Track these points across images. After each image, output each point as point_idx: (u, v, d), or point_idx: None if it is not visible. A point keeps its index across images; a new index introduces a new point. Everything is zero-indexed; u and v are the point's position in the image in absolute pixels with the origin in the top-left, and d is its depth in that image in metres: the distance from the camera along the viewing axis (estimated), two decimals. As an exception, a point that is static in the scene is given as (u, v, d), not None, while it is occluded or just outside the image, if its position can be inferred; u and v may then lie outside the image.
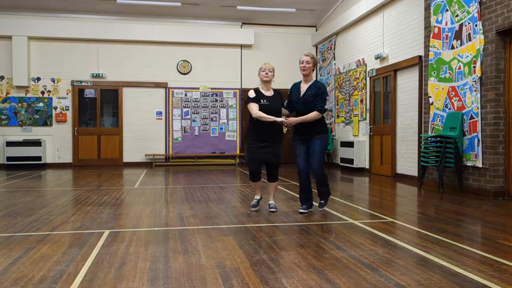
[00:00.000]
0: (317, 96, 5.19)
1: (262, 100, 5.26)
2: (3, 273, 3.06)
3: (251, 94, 5.30)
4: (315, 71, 5.83)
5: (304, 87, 5.33)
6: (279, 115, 5.31)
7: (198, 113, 13.84)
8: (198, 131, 13.85)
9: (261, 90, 5.36)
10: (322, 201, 5.48)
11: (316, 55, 14.56)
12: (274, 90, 5.48)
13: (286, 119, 5.19)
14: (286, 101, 5.53)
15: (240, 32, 13.98)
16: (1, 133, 12.83)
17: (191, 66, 13.66)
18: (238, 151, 14.00)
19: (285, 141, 6.14)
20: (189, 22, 13.75)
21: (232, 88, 14.01)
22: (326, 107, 5.20)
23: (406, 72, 9.40)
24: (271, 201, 5.57)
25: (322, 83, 5.38)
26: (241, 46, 14.02)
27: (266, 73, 5.30)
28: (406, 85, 9.40)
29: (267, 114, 5.16)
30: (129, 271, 3.12)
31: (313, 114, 5.16)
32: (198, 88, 13.78)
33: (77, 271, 3.12)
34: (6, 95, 12.89)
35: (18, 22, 12.69)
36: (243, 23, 14.11)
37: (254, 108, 5.20)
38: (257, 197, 5.62)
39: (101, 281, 2.91)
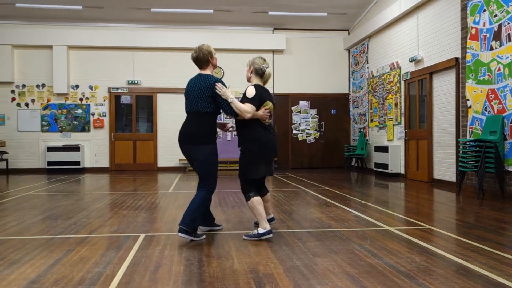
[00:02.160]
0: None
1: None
2: (45, 274, 3.16)
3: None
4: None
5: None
6: None
7: (231, 118, 13.90)
8: (231, 136, 13.93)
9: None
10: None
11: (349, 59, 14.44)
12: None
13: None
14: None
15: (271, 37, 14.01)
16: (42, 138, 13.28)
17: (223, 72, 13.77)
18: (270, 156, 13.98)
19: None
20: (221, 29, 13.89)
21: (264, 93, 14.01)
22: None
23: (442, 74, 9.20)
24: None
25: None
26: (273, 51, 14.05)
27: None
28: (443, 88, 9.19)
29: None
30: (164, 274, 3.16)
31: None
32: (231, 94, 13.85)
33: (114, 273, 3.18)
34: (47, 102, 13.35)
35: (58, 32, 13.14)
36: (274, 29, 14.14)
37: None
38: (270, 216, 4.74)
39: (137, 283, 2.96)
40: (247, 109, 4.14)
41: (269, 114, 4.33)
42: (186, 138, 4.23)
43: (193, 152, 4.22)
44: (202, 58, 4.30)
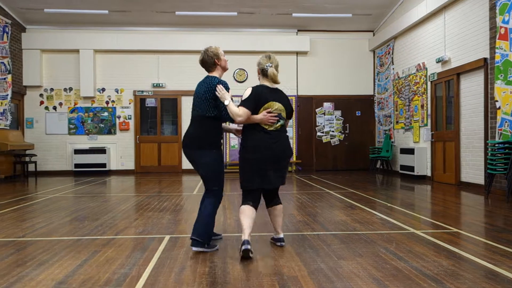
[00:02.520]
0: None
1: None
2: (72, 274, 3.22)
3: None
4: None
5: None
6: None
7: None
8: (255, 139, 13.93)
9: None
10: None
11: (374, 60, 14.29)
12: None
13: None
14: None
15: (295, 39, 13.98)
16: (69, 141, 13.55)
17: (247, 74, 13.81)
18: (294, 158, 13.96)
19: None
20: (245, 31, 13.93)
21: (288, 95, 13.96)
22: None
23: (470, 75, 9.01)
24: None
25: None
26: (297, 53, 14.02)
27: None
28: (470, 89, 9.00)
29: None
30: (189, 275, 3.18)
31: None
32: (254, 96, 13.88)
33: (140, 274, 3.22)
34: (74, 105, 13.62)
35: (85, 37, 13.40)
36: (298, 30, 14.10)
37: None
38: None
39: (162, 285, 2.99)
40: (238, 112, 3.76)
41: (273, 117, 3.85)
42: (188, 142, 4.01)
43: (195, 158, 3.98)
44: (208, 60, 4.08)
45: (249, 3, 12.19)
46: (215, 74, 4.09)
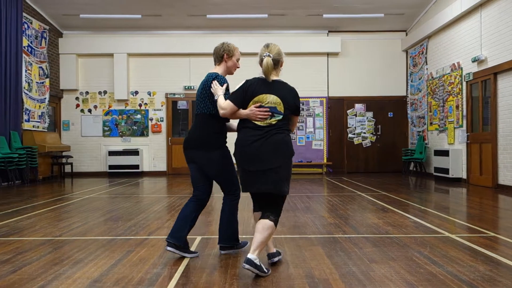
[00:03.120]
0: None
1: None
2: (106, 273, 3.29)
3: None
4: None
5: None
6: None
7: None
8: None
9: None
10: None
11: (407, 60, 14.04)
12: None
13: None
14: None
15: (326, 40, 13.89)
16: (104, 143, 13.87)
17: (278, 76, 13.79)
18: (325, 160, 13.86)
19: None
20: (276, 33, 13.93)
21: (318, 96, 13.94)
22: None
23: (509, 74, 8.74)
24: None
25: None
26: (328, 54, 13.92)
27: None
28: (509, 88, 8.73)
29: None
30: (220, 277, 3.20)
31: None
32: (285, 98, 13.86)
33: (172, 274, 3.26)
34: (108, 108, 13.93)
35: (119, 41, 13.70)
36: (329, 31, 14.01)
37: None
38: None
39: (194, 285, 3.02)
40: (222, 105, 3.49)
41: (263, 112, 3.36)
42: (189, 143, 3.81)
43: (199, 159, 3.76)
44: (218, 52, 3.97)
45: (280, 5, 12.19)
46: (217, 70, 3.94)
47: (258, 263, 3.14)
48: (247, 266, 3.11)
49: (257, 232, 3.24)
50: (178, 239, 3.69)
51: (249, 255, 3.15)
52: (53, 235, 4.71)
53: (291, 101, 3.43)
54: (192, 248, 4.04)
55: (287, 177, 3.37)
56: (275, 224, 3.31)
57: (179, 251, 3.72)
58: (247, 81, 3.54)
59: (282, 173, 3.32)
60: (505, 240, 4.33)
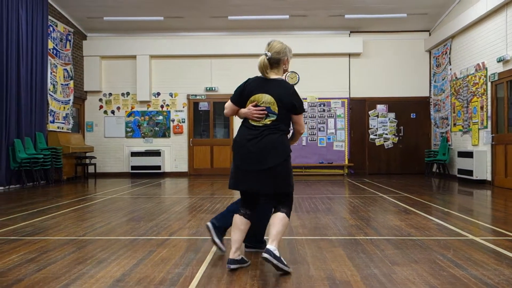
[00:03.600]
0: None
1: None
2: (129, 273, 3.33)
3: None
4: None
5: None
6: None
7: (306, 123, 13.89)
8: (306, 141, 13.87)
9: None
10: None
11: (430, 60, 13.85)
12: None
13: None
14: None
15: (348, 40, 13.80)
16: (127, 144, 14.06)
17: (298, 77, 13.76)
18: (346, 161, 13.76)
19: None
20: (297, 34, 13.91)
21: (340, 97, 13.86)
22: None
23: (535, 75, 8.54)
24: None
25: None
26: (349, 55, 13.83)
27: None
28: (535, 89, 8.53)
29: None
30: (240, 277, 3.21)
31: None
32: (305, 99, 13.84)
33: (193, 274, 3.28)
34: (131, 109, 14.11)
35: (142, 43, 13.87)
36: (351, 32, 13.92)
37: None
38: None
39: (215, 285, 3.03)
40: (225, 105, 3.57)
41: (260, 111, 3.35)
42: None
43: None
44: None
45: (301, 6, 12.17)
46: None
47: (277, 254, 3.19)
48: (265, 255, 3.16)
49: (272, 225, 3.31)
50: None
51: (268, 246, 3.21)
52: (77, 234, 4.79)
53: (286, 99, 3.35)
54: (213, 249, 4.06)
55: (284, 177, 3.34)
56: (288, 217, 3.36)
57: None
58: (247, 80, 3.54)
59: (276, 173, 3.31)
60: (531, 244, 4.23)
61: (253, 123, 3.38)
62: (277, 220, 3.31)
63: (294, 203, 7.14)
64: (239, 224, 3.41)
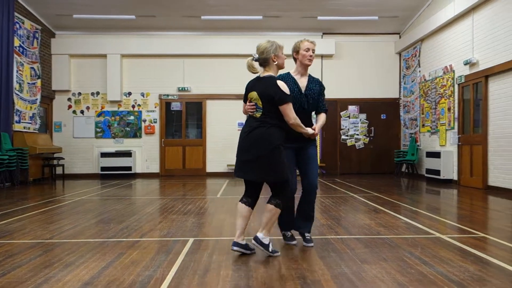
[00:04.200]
0: (321, 94, 4.28)
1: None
2: (98, 276, 3.27)
3: (286, 88, 3.74)
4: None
5: (303, 81, 4.21)
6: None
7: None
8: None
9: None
10: (308, 235, 4.26)
11: (400, 62, 14.12)
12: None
13: (314, 128, 4.05)
14: None
15: (320, 42, 13.89)
16: (96, 144, 13.81)
17: (271, 78, 13.81)
18: (318, 162, 13.86)
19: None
20: (271, 35, 13.93)
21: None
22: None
23: (500, 77, 8.81)
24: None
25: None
26: (322, 56, 13.96)
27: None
28: (500, 91, 8.80)
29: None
30: (212, 279, 3.20)
31: (324, 117, 4.26)
32: (278, 99, 13.89)
33: (164, 277, 3.25)
34: (101, 109, 13.88)
35: (113, 41, 13.66)
36: (323, 33, 14.06)
37: (293, 111, 3.77)
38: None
39: (186, 287, 3.01)
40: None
41: (251, 107, 3.80)
42: None
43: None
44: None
45: (275, 7, 12.22)
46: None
47: (265, 242, 3.71)
48: (253, 241, 3.73)
49: (262, 214, 3.79)
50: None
51: (257, 233, 3.75)
52: (44, 237, 4.68)
53: (266, 92, 3.69)
54: (184, 251, 4.04)
55: (269, 167, 3.65)
56: (278, 207, 3.72)
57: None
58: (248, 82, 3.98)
59: (261, 163, 3.65)
60: (494, 241, 4.36)
61: (251, 117, 3.81)
62: (265, 210, 3.75)
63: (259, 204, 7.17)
64: (242, 212, 3.81)
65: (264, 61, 3.77)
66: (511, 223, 5.49)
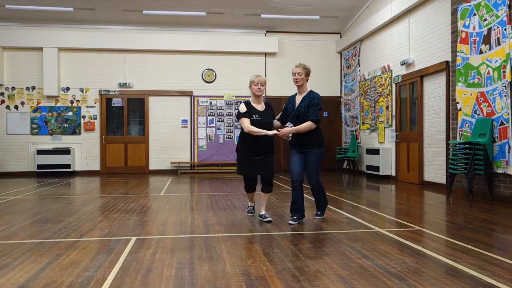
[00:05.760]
0: (310, 106, 5.13)
1: (254, 116, 5.23)
2: (34, 278, 3.13)
3: (243, 108, 5.23)
4: (309, 80, 5.58)
5: (298, 99, 5.31)
6: (271, 128, 5.33)
7: (223, 121, 13.93)
8: (223, 139, 13.92)
9: (253, 104, 5.35)
10: (319, 212, 5.53)
11: (341, 62, 14.49)
12: (266, 103, 5.53)
13: (279, 131, 5.10)
14: (280, 113, 5.56)
15: (264, 40, 14.03)
16: (32, 141, 13.18)
17: (215, 75, 13.76)
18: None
19: (278, 152, 5.81)
20: (214, 31, 13.89)
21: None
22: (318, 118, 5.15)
23: (433, 77, 9.26)
24: (264, 212, 5.41)
25: (317, 94, 5.28)
26: (265, 54, 14.07)
27: (259, 88, 5.30)
28: (433, 91, 9.25)
29: (259, 128, 5.15)
30: (155, 278, 3.15)
31: (306, 124, 5.07)
32: (222, 96, 13.87)
33: (105, 277, 3.16)
34: (37, 104, 13.25)
35: (49, 34, 13.06)
36: (267, 31, 14.17)
37: (245, 123, 5.16)
38: (251, 204, 5.84)
39: (128, 287, 2.94)
40: None
41: None
42: None
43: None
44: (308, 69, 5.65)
45: (218, 4, 12.16)
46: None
47: (267, 215, 5.37)
48: (263, 213, 5.40)
49: (262, 198, 5.51)
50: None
51: (261, 212, 5.40)
52: (-25, 239, 4.41)
53: None
54: (126, 250, 3.95)
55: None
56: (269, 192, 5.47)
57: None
58: None
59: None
60: (429, 233, 4.59)
61: None
62: (266, 196, 5.53)
63: (211, 201, 7.16)
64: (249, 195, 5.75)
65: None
66: (444, 217, 5.81)
